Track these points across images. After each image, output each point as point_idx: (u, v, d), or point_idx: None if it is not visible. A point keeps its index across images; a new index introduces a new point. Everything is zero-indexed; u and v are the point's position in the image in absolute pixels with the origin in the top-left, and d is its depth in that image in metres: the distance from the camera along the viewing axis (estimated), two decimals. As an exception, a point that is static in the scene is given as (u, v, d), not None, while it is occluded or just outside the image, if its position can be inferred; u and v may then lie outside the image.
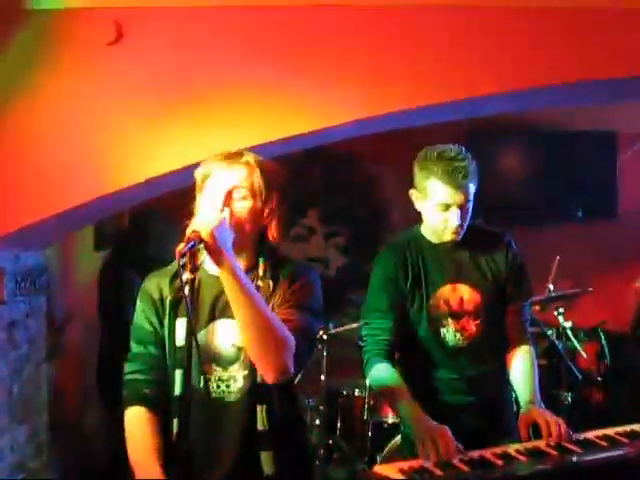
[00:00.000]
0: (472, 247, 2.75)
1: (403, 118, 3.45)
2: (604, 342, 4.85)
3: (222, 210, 2.05)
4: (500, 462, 2.14)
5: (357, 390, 4.61)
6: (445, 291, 2.70)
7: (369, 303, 2.75)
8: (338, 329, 4.49)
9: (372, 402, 4.23)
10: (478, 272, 2.74)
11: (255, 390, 2.08)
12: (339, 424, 4.69)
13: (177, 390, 2.09)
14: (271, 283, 2.13)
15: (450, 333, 2.70)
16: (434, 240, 2.75)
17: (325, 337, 4.41)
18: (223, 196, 2.08)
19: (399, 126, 3.67)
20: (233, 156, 2.18)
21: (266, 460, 2.07)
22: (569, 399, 4.47)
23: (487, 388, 2.75)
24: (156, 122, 3.41)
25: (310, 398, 4.74)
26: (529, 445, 2.33)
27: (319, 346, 4.45)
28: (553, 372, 4.66)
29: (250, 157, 2.19)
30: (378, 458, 3.93)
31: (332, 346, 4.66)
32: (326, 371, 4.46)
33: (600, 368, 4.92)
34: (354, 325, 4.42)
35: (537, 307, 4.30)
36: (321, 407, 4.47)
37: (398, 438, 3.79)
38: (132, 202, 3.98)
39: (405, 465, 2.12)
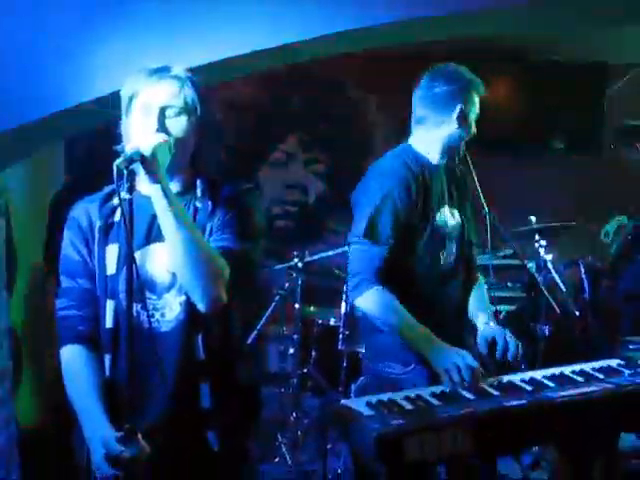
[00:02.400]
0: (460, 171, 2.78)
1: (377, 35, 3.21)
2: (583, 276, 4.81)
3: (157, 129, 1.90)
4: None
5: (332, 319, 4.56)
6: (441, 213, 2.64)
7: (369, 221, 2.51)
8: (314, 257, 4.37)
9: (347, 332, 4.16)
10: (464, 196, 2.75)
11: (192, 318, 1.95)
12: (313, 353, 4.66)
13: (109, 323, 1.97)
14: (210, 205, 1.99)
15: (444, 255, 2.64)
16: (433, 160, 2.67)
17: (300, 265, 4.31)
18: (156, 115, 1.92)
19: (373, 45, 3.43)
20: (161, 71, 1.99)
21: (205, 392, 1.96)
22: (547, 332, 4.44)
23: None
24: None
25: (284, 327, 4.70)
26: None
27: (293, 274, 4.37)
28: (532, 305, 4.63)
29: (179, 70, 2.01)
30: (352, 387, 3.88)
31: (308, 275, 4.59)
32: (301, 300, 4.37)
33: (578, 302, 4.89)
34: (330, 253, 4.33)
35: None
36: (295, 336, 4.42)
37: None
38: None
39: (374, 399, 2.04)
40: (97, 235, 2.01)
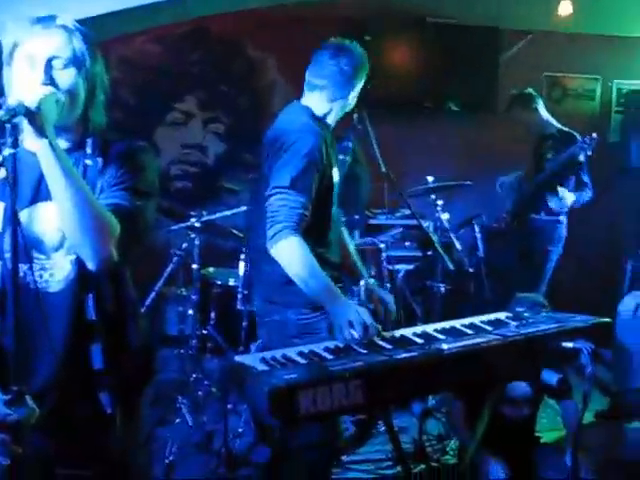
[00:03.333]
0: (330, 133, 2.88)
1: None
2: (478, 234, 4.94)
3: (43, 81, 1.80)
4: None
5: (231, 280, 4.53)
6: (333, 171, 2.78)
7: (292, 173, 2.60)
8: (211, 217, 4.32)
9: (246, 292, 4.15)
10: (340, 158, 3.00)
11: (83, 278, 1.89)
12: (213, 314, 4.63)
13: None
14: (100, 161, 1.92)
15: (334, 210, 2.83)
16: (329, 122, 2.82)
17: (197, 225, 4.25)
18: (42, 66, 1.82)
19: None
20: (46, 20, 1.87)
21: (96, 353, 1.92)
22: (442, 289, 4.55)
23: None
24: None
25: (183, 288, 4.64)
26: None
27: (192, 235, 4.31)
28: (428, 263, 4.73)
29: (67, 20, 1.90)
30: (252, 348, 3.89)
31: (206, 235, 4.54)
32: (199, 260, 4.32)
33: (473, 260, 5.03)
34: (228, 212, 4.30)
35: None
36: (194, 297, 4.37)
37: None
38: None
39: (268, 354, 2.04)
40: None
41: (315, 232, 2.65)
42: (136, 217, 1.90)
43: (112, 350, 1.96)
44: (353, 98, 2.81)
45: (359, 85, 2.80)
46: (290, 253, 2.54)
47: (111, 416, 1.95)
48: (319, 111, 2.79)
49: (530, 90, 5.12)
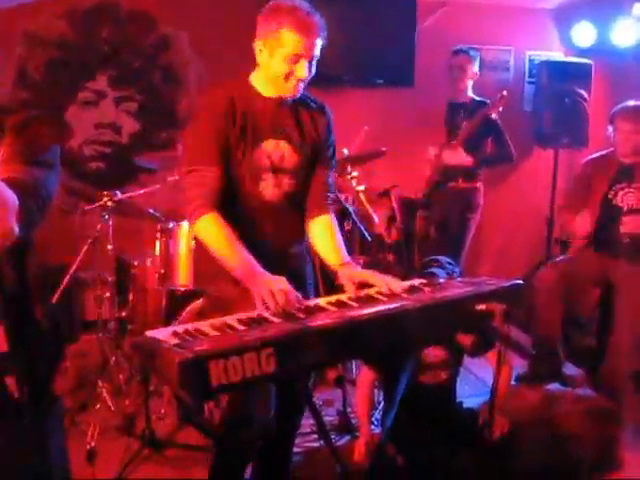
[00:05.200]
0: (298, 109, 2.77)
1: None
2: (394, 206, 4.98)
3: None
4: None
5: (148, 260, 4.46)
6: (268, 145, 2.69)
7: (195, 151, 2.63)
8: (124, 195, 4.23)
9: (162, 271, 4.09)
10: (301, 134, 2.76)
11: None
12: (131, 295, 4.55)
13: None
14: None
15: (268, 187, 2.71)
16: (264, 93, 2.71)
17: (110, 204, 4.15)
18: None
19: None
20: None
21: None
22: (361, 262, 4.57)
23: (293, 244, 2.85)
24: None
25: (99, 270, 4.54)
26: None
27: (105, 215, 4.21)
28: (346, 236, 4.73)
29: None
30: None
31: (121, 216, 4.44)
32: (114, 242, 4.23)
33: (391, 232, 5.07)
34: (142, 191, 4.21)
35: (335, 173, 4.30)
36: (110, 278, 4.28)
37: (194, 304, 3.74)
38: None
39: (179, 328, 2.00)
40: None
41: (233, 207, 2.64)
42: (35, 189, 1.84)
43: (17, 332, 1.89)
44: (292, 63, 2.62)
45: (293, 47, 2.60)
46: (205, 231, 2.56)
47: (20, 401, 1.89)
48: (257, 81, 2.72)
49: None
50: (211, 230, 2.54)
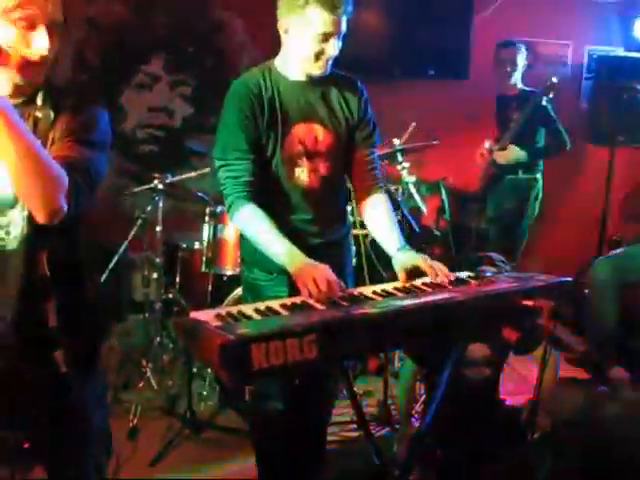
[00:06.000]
0: (326, 88, 2.66)
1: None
2: (444, 198, 4.93)
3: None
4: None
5: (197, 243, 4.50)
6: (300, 129, 2.60)
7: (225, 143, 2.57)
8: (174, 179, 4.25)
9: (210, 254, 4.11)
10: (332, 113, 2.65)
11: (36, 233, 1.86)
12: (178, 278, 4.59)
13: None
14: (51, 113, 1.88)
15: (304, 173, 2.63)
16: (290, 76, 2.61)
17: (161, 187, 4.18)
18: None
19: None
20: None
21: (49, 310, 1.90)
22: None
23: (334, 230, 2.78)
24: None
25: (147, 252, 4.59)
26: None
27: (155, 197, 4.25)
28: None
29: None
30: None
31: (171, 198, 4.49)
32: (163, 224, 4.26)
33: (439, 223, 5.03)
34: (192, 174, 4.23)
35: (385, 162, 4.27)
36: (158, 260, 4.32)
37: (238, 290, 3.75)
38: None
39: (223, 311, 2.01)
40: None
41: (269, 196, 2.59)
42: (86, 169, 1.86)
43: (66, 307, 1.93)
44: (337, 33, 2.51)
45: (324, 24, 2.49)
46: (244, 223, 2.53)
47: (66, 374, 1.93)
48: (281, 63, 2.64)
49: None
50: (250, 221, 2.50)
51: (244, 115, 2.53)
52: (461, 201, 5.38)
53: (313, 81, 2.62)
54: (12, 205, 1.87)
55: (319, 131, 2.62)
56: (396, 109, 5.09)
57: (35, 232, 1.86)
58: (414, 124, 4.44)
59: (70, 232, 1.98)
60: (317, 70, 2.56)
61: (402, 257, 2.56)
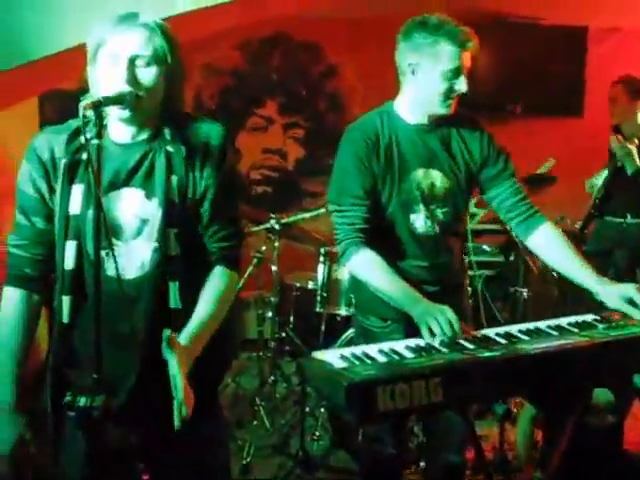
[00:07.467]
0: (447, 131, 2.60)
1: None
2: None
3: (126, 80, 1.81)
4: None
5: (311, 283, 4.53)
6: (418, 175, 2.55)
7: (340, 188, 2.54)
8: (290, 219, 4.33)
9: (325, 294, 4.14)
10: (450, 157, 2.59)
11: (167, 265, 1.88)
12: (292, 317, 4.63)
13: (69, 264, 1.87)
14: (183, 148, 1.92)
15: (420, 219, 2.58)
16: (409, 120, 2.57)
17: (277, 227, 4.26)
18: (125, 65, 1.83)
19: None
20: (129, 18, 1.87)
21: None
22: (525, 294, 4.43)
23: (451, 276, 2.72)
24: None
25: (262, 291, 4.67)
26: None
27: (271, 237, 4.33)
28: (510, 268, 4.62)
29: (148, 18, 1.89)
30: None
31: (285, 238, 4.55)
32: (278, 263, 4.33)
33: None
34: (307, 215, 4.29)
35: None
36: (273, 299, 4.38)
37: (351, 331, 3.74)
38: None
39: (346, 351, 2.02)
40: (61, 172, 1.90)
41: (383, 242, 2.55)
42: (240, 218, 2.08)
43: None
44: (444, 80, 2.46)
45: (450, 60, 2.45)
46: (360, 268, 2.50)
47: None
48: (401, 107, 2.59)
49: None
50: (366, 266, 2.47)
51: (359, 161, 2.50)
52: (576, 241, 5.21)
53: (434, 124, 2.57)
54: (135, 235, 1.90)
55: (437, 177, 2.58)
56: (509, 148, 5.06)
57: (165, 263, 1.88)
58: (551, 159, 4.35)
59: (203, 265, 1.98)
60: (445, 109, 2.50)
61: (614, 289, 2.44)
